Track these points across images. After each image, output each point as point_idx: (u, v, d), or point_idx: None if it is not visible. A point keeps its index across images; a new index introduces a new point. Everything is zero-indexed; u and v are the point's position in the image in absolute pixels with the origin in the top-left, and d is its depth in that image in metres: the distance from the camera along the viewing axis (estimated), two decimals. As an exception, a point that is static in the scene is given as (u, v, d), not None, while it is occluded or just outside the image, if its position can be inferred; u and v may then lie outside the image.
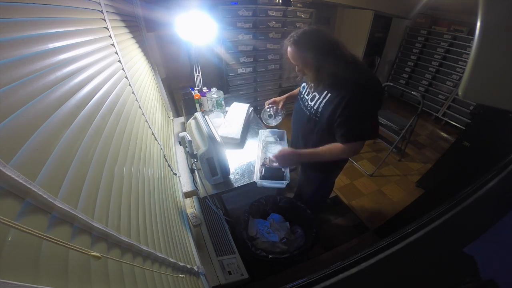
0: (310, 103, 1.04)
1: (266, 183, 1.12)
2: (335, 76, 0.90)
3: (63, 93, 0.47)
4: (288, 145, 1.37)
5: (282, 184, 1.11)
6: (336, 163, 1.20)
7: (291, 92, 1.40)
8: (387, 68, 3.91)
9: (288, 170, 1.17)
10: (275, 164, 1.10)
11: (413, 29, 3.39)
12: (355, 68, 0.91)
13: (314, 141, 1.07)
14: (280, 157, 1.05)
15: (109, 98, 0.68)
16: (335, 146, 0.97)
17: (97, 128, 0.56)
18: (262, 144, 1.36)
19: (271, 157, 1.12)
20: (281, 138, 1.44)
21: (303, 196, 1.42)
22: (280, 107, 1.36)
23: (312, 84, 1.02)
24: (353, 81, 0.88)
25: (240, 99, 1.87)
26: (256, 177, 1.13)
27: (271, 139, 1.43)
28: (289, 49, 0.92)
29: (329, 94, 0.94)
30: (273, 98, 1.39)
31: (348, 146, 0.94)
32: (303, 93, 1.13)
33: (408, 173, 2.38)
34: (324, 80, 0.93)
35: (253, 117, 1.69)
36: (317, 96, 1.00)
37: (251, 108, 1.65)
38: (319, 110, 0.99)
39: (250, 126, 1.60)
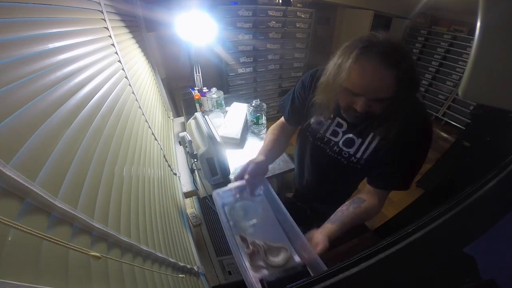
0: (344, 149, 0.78)
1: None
2: (400, 112, 0.62)
3: (63, 93, 0.46)
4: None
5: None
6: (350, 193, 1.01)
7: (272, 144, 0.90)
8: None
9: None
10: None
11: (413, 29, 3.39)
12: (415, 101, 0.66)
13: (340, 188, 0.93)
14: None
15: (109, 98, 0.68)
16: (369, 203, 0.73)
17: (97, 128, 0.56)
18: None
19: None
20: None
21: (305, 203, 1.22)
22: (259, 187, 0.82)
23: (342, 122, 0.77)
24: (407, 120, 0.63)
25: (240, 99, 1.87)
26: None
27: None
28: (375, 68, 0.55)
29: (378, 136, 0.71)
30: (246, 177, 0.76)
31: (384, 196, 0.74)
32: (322, 133, 0.82)
33: (408, 173, 2.38)
34: (393, 121, 0.64)
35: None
36: (358, 140, 0.75)
37: (250, 108, 1.65)
38: (364, 157, 0.75)
39: (250, 126, 1.60)
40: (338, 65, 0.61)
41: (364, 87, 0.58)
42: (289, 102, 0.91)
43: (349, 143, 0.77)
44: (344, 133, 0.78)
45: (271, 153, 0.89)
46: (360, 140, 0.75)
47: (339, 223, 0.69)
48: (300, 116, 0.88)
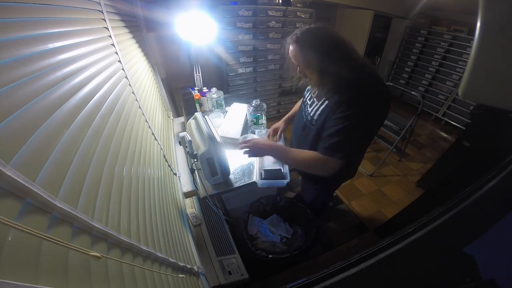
0: (308, 108, 0.97)
1: (267, 183, 1.11)
2: (339, 81, 0.79)
3: (63, 93, 0.47)
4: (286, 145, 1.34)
5: (283, 183, 1.11)
6: (335, 179, 1.13)
7: (291, 112, 1.30)
8: (387, 68, 3.91)
9: (287, 168, 1.17)
10: (245, 150, 0.97)
11: (413, 29, 3.39)
12: (362, 72, 0.80)
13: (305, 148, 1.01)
14: (250, 146, 0.95)
15: (109, 98, 0.68)
16: (314, 155, 0.87)
17: (97, 128, 0.56)
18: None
19: (240, 142, 0.99)
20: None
21: (304, 202, 1.41)
22: (278, 137, 1.27)
23: (315, 89, 0.95)
24: (354, 85, 0.78)
25: (240, 99, 1.87)
26: (256, 178, 1.13)
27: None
28: (291, 47, 0.83)
29: (327, 101, 0.86)
30: (274, 126, 1.29)
31: (327, 159, 0.83)
32: (306, 97, 1.05)
33: (408, 173, 2.38)
34: (326, 85, 0.83)
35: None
36: (316, 102, 0.92)
37: (250, 107, 1.65)
38: (314, 117, 0.91)
39: (250, 126, 1.59)
40: (287, 48, 0.87)
41: (291, 58, 0.86)
42: None
43: (311, 104, 0.96)
44: (314, 97, 0.97)
45: (292, 116, 1.27)
46: (316, 102, 0.93)
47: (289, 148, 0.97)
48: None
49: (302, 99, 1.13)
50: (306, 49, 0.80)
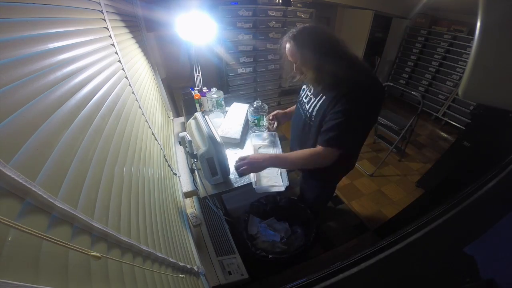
0: (306, 106, 0.99)
1: (265, 188, 1.10)
2: (334, 77, 0.82)
3: (63, 93, 0.47)
4: (283, 150, 1.33)
5: (281, 187, 1.10)
6: (336, 172, 1.16)
7: (291, 109, 1.33)
8: (387, 68, 3.91)
9: (286, 174, 1.15)
10: (242, 168, 0.93)
11: (413, 29, 3.39)
12: (356, 68, 0.84)
13: (305, 146, 1.02)
14: (247, 163, 0.92)
15: (109, 98, 0.68)
16: (309, 151, 0.91)
17: (97, 128, 0.56)
18: (254, 150, 1.32)
19: (237, 161, 0.96)
20: (274, 144, 1.36)
21: (304, 202, 1.41)
22: (275, 125, 1.30)
23: (311, 86, 0.98)
24: (349, 81, 0.82)
25: (240, 99, 1.87)
26: (253, 183, 1.10)
27: (264, 142, 1.38)
28: (287, 45, 0.86)
29: (324, 97, 0.88)
30: (277, 112, 1.31)
31: (325, 150, 0.87)
32: (302, 96, 1.07)
33: (408, 173, 2.38)
34: (323, 81, 0.86)
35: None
36: (313, 99, 0.94)
37: (251, 108, 1.65)
38: (313, 114, 0.93)
39: (251, 128, 1.60)
40: (283, 47, 0.90)
41: (288, 55, 0.88)
42: None
43: (308, 101, 0.98)
44: (310, 95, 0.99)
45: (293, 111, 1.24)
46: (314, 99, 0.94)
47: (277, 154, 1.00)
48: None
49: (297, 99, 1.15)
50: (302, 46, 0.83)
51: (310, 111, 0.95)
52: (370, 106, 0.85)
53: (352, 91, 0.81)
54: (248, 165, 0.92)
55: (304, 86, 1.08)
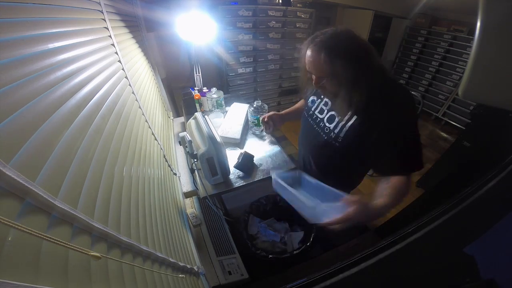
0: (327, 124, 0.86)
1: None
2: (370, 92, 0.69)
3: (63, 93, 0.47)
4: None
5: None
6: (352, 185, 1.05)
7: (294, 107, 1.22)
8: (387, 68, 3.90)
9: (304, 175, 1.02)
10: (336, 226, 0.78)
11: (413, 29, 3.39)
12: (386, 82, 0.73)
13: (330, 169, 0.93)
14: (346, 219, 0.72)
15: (109, 98, 0.68)
16: (399, 182, 0.74)
17: (97, 128, 0.56)
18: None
19: (329, 221, 0.77)
20: (297, 183, 0.96)
21: None
22: (272, 128, 1.15)
23: (328, 100, 0.86)
24: (387, 96, 0.71)
25: (240, 99, 1.87)
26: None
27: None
28: (313, 54, 0.69)
29: (355, 116, 0.76)
30: (272, 113, 1.16)
31: (408, 178, 0.75)
32: (313, 110, 0.93)
33: (408, 173, 2.38)
34: (355, 98, 0.71)
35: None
36: (337, 118, 0.82)
37: (251, 108, 1.66)
38: (341, 135, 0.80)
39: (250, 128, 1.60)
40: (303, 53, 0.76)
41: (310, 67, 0.74)
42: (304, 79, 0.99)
43: (330, 119, 0.86)
44: (329, 110, 0.87)
45: (289, 114, 1.19)
46: (339, 117, 0.82)
47: (378, 196, 0.76)
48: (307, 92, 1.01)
49: (304, 110, 1.01)
50: (336, 58, 0.66)
51: (335, 131, 0.82)
52: (416, 114, 0.79)
53: (397, 105, 0.71)
54: (343, 225, 0.75)
55: (314, 98, 0.95)
